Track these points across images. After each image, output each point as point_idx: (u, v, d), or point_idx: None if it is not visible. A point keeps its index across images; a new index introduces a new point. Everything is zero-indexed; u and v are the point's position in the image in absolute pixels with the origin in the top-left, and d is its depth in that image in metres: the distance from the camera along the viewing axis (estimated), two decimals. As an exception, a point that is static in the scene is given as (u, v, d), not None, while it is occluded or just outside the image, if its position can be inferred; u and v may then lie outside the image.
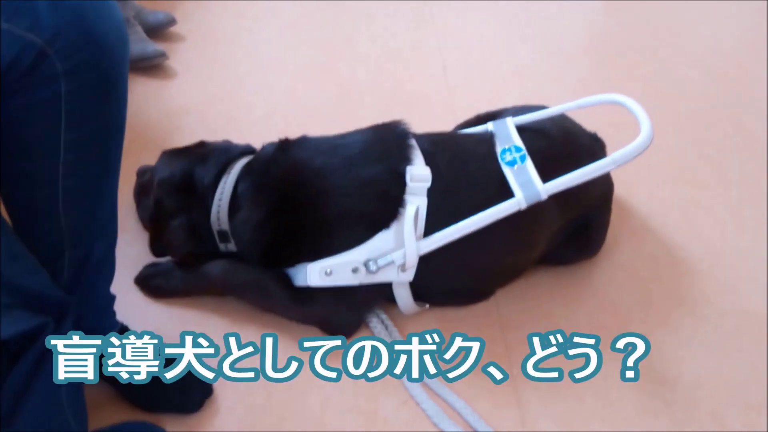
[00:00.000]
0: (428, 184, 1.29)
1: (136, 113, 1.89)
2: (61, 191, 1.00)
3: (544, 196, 1.27)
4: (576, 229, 1.45)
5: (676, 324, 1.44)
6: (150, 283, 1.39)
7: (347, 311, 1.33)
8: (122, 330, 1.22)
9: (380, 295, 1.33)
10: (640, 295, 1.50)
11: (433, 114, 1.97)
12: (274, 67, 2.13)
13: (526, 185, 1.28)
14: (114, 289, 1.36)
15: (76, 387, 1.07)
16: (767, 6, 2.59)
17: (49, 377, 1.00)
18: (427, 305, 1.39)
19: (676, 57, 2.34)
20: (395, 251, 1.26)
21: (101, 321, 1.19)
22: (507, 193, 1.29)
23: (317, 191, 1.28)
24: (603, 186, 1.49)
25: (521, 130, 1.41)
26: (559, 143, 1.41)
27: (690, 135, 1.99)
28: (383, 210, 1.27)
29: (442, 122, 1.73)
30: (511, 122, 1.42)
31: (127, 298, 1.38)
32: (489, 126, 1.44)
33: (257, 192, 1.30)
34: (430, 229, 1.28)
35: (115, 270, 1.35)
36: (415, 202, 1.27)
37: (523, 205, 1.27)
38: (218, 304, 1.39)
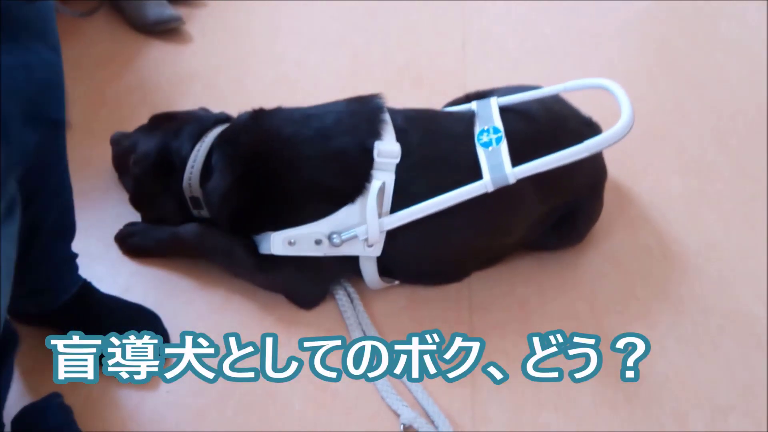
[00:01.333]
0: (397, 160, 1.28)
1: (147, 77, 1.93)
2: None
3: (512, 180, 1.24)
4: (561, 216, 1.42)
5: (654, 318, 1.40)
6: (127, 241, 1.43)
7: (311, 281, 1.34)
8: (85, 286, 1.26)
9: (346, 267, 1.33)
10: (624, 286, 1.46)
11: (441, 92, 1.93)
12: (288, 37, 2.13)
13: (496, 168, 1.25)
14: (95, 246, 1.42)
15: None
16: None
17: None
18: (397, 281, 1.38)
19: (709, 42, 2.24)
20: (360, 226, 1.26)
21: (60, 279, 1.23)
22: (478, 175, 1.27)
23: (285, 161, 1.29)
24: (592, 173, 1.45)
25: (506, 110, 1.38)
26: (542, 126, 1.38)
27: (713, 124, 1.91)
28: (349, 184, 1.27)
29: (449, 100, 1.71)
30: (494, 102, 1.39)
31: (106, 256, 1.43)
32: (473, 105, 1.41)
33: (227, 160, 1.31)
34: (397, 205, 1.27)
35: (97, 231, 1.41)
36: (382, 178, 1.26)
37: (490, 188, 1.24)
38: (189, 266, 1.42)
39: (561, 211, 1.41)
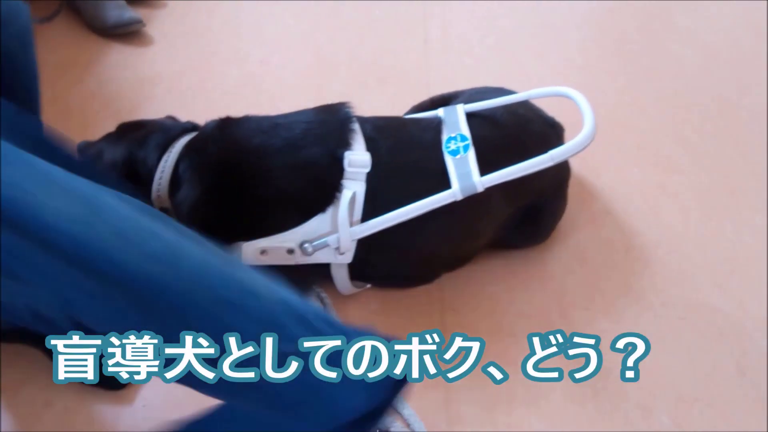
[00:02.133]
0: (367, 169, 1.29)
1: (107, 82, 1.91)
2: None
3: (480, 189, 1.26)
4: (526, 215, 1.45)
5: (619, 312, 1.44)
6: (97, 253, 1.42)
7: (283, 289, 1.35)
8: None
9: (318, 273, 1.35)
10: (589, 281, 1.50)
11: (406, 90, 1.95)
12: (251, 37, 2.13)
13: (464, 177, 1.28)
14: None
15: None
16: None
17: None
18: (368, 285, 1.41)
19: (668, 33, 2.29)
20: (331, 235, 1.27)
21: None
22: (447, 183, 1.29)
23: (254, 171, 1.29)
24: (557, 173, 1.47)
25: (472, 116, 1.41)
26: (508, 131, 1.40)
27: (671, 116, 1.96)
28: (320, 194, 1.28)
29: (416, 98, 1.72)
30: (461, 109, 1.41)
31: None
32: (439, 112, 1.43)
33: (195, 170, 1.31)
34: (368, 214, 1.28)
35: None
36: (353, 188, 1.28)
37: (459, 197, 1.27)
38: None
39: (527, 211, 1.44)
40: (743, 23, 2.35)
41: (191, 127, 1.45)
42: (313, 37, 2.14)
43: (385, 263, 1.36)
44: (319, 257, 1.29)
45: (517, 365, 1.25)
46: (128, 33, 2.04)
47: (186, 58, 2.02)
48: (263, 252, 1.27)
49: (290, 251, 1.27)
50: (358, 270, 1.35)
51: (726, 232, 1.63)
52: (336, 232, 1.27)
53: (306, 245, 1.27)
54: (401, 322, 1.38)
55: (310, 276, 1.36)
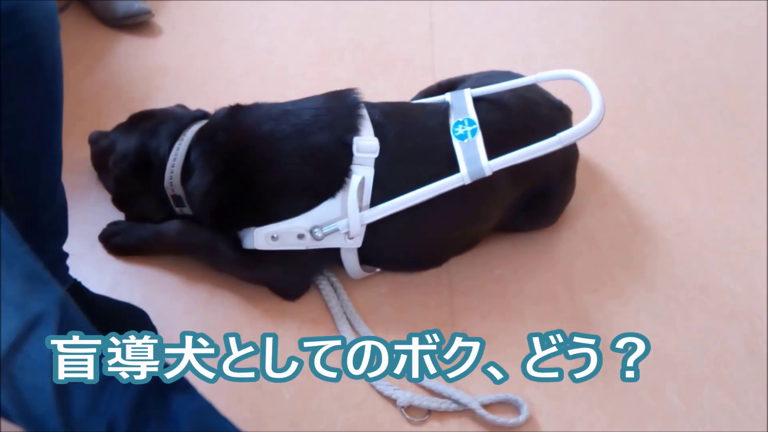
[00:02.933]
0: (375, 154, 1.30)
1: (118, 72, 1.92)
2: (3, 161, 1.06)
3: (488, 173, 1.27)
4: (533, 198, 1.46)
5: (628, 294, 1.45)
6: (111, 240, 1.44)
7: (294, 274, 1.36)
8: (74, 286, 1.28)
9: (328, 258, 1.36)
10: (597, 263, 1.51)
11: (411, 75, 1.96)
12: (256, 25, 2.13)
13: (472, 161, 1.28)
14: (80, 245, 1.43)
15: None
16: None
17: None
18: (378, 269, 1.42)
19: (674, 13, 2.29)
20: (340, 220, 1.28)
21: None
22: (455, 167, 1.30)
23: (264, 158, 1.31)
24: (564, 156, 1.47)
25: (479, 100, 1.41)
26: (515, 115, 1.41)
27: (678, 97, 1.96)
28: (329, 179, 1.29)
29: (420, 84, 1.73)
30: (468, 93, 1.41)
31: (92, 255, 1.44)
32: (447, 96, 1.44)
33: (206, 158, 1.33)
34: (377, 198, 1.30)
35: (81, 229, 1.42)
36: (362, 173, 1.29)
37: (467, 181, 1.28)
38: (174, 262, 1.43)
39: (534, 194, 1.45)
40: (749, 2, 2.34)
41: (201, 115, 1.47)
42: (318, 23, 2.15)
43: (394, 247, 1.38)
44: (329, 242, 1.31)
45: (525, 346, 1.26)
46: (137, 24, 2.05)
47: (194, 48, 2.03)
48: (274, 237, 1.29)
49: (300, 236, 1.29)
50: (368, 254, 1.36)
51: (735, 213, 1.63)
52: (345, 217, 1.28)
53: (316, 230, 1.28)
54: (410, 306, 1.39)
55: (321, 261, 1.37)
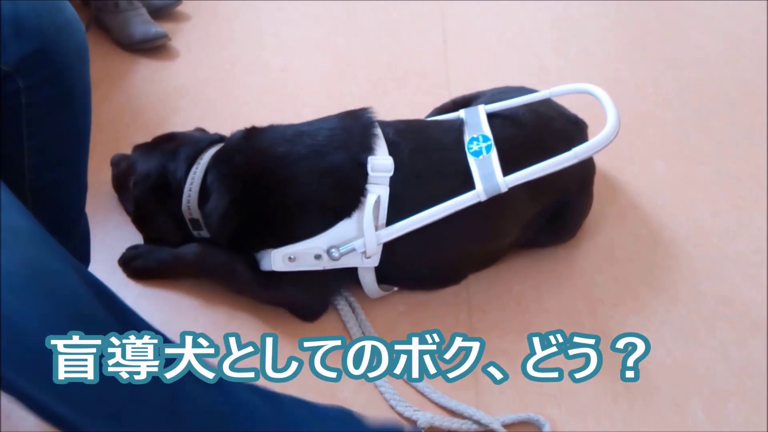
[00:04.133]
0: (390, 173, 1.30)
1: (136, 96, 1.94)
2: (29, 192, 1.08)
3: (503, 189, 1.27)
4: (552, 213, 1.45)
5: (649, 308, 1.43)
6: (131, 265, 1.45)
7: (313, 294, 1.36)
8: None
9: (346, 278, 1.36)
10: (618, 277, 1.50)
11: (426, 91, 1.96)
12: (271, 44, 2.15)
13: (487, 177, 1.28)
14: (100, 270, 1.43)
15: None
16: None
17: None
18: (396, 288, 1.42)
19: (689, 21, 2.27)
20: (357, 239, 1.29)
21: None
22: (471, 184, 1.29)
23: (280, 179, 1.31)
24: (581, 170, 1.46)
25: (493, 116, 1.41)
26: (530, 130, 1.41)
27: (695, 105, 1.94)
28: (345, 199, 1.29)
29: (435, 99, 1.74)
30: (482, 110, 1.41)
31: (112, 279, 1.45)
32: (461, 113, 1.43)
33: (223, 181, 1.33)
34: (393, 217, 1.30)
35: (101, 254, 1.44)
36: (377, 192, 1.29)
37: (483, 198, 1.27)
38: (193, 285, 1.44)
39: (552, 209, 1.44)
40: (765, 8, 2.32)
41: (218, 138, 1.48)
42: (332, 41, 2.16)
43: (411, 266, 1.38)
44: (346, 262, 1.31)
45: (546, 364, 1.25)
46: (155, 47, 2.07)
47: (210, 69, 2.05)
48: (291, 258, 1.29)
49: (318, 257, 1.29)
50: (385, 273, 1.36)
51: (755, 223, 1.62)
52: (362, 236, 1.28)
53: (333, 250, 1.28)
54: (429, 324, 1.39)
55: (338, 280, 1.37)
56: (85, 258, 1.24)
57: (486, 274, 1.47)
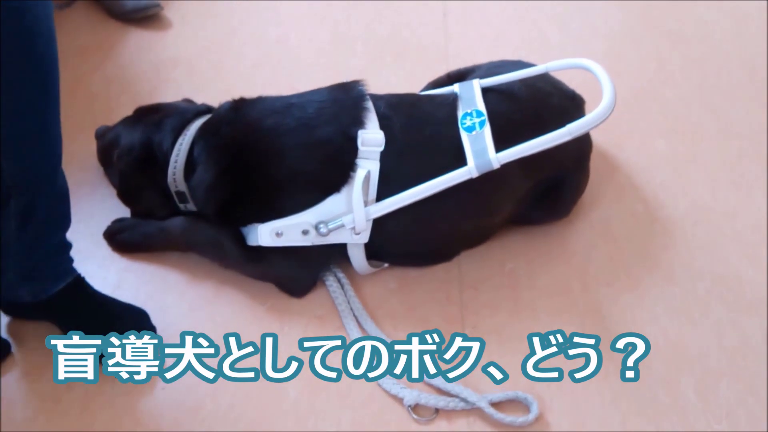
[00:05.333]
0: (381, 148, 1.28)
1: (127, 65, 1.92)
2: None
3: (496, 165, 1.24)
4: (546, 189, 1.42)
5: (644, 286, 1.42)
6: (116, 238, 1.44)
7: (300, 270, 1.35)
8: (78, 280, 1.28)
9: (335, 254, 1.35)
10: (613, 255, 1.47)
11: (425, 64, 1.92)
12: (267, 16, 2.11)
13: (480, 153, 1.25)
14: (85, 243, 1.42)
15: None
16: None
17: None
18: (386, 264, 1.40)
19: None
20: (346, 215, 1.26)
21: (54, 266, 1.25)
22: (463, 160, 1.27)
23: (268, 152, 1.29)
24: (577, 146, 1.43)
25: (488, 91, 1.38)
26: (525, 105, 1.38)
27: (698, 82, 1.90)
28: (334, 173, 1.27)
29: (434, 72, 1.70)
30: (477, 84, 1.38)
31: (96, 252, 1.44)
32: (455, 87, 1.40)
33: (210, 152, 1.31)
34: (383, 193, 1.28)
35: (86, 227, 1.42)
36: (367, 166, 1.27)
37: (474, 174, 1.25)
38: (179, 259, 1.42)
39: (547, 185, 1.42)
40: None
41: (206, 109, 1.46)
42: (330, 12, 2.12)
43: (401, 242, 1.35)
44: (335, 238, 1.29)
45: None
46: (146, 17, 2.04)
47: (204, 40, 2.01)
48: (278, 233, 1.28)
49: (305, 232, 1.27)
50: (375, 249, 1.34)
51: (756, 201, 1.59)
52: (351, 212, 1.26)
53: (321, 226, 1.26)
54: (419, 301, 1.37)
55: (327, 256, 1.35)
56: (63, 220, 1.23)
57: (479, 251, 1.45)
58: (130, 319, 1.25)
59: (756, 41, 2.03)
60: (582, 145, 1.46)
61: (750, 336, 1.33)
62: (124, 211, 1.48)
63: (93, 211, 1.50)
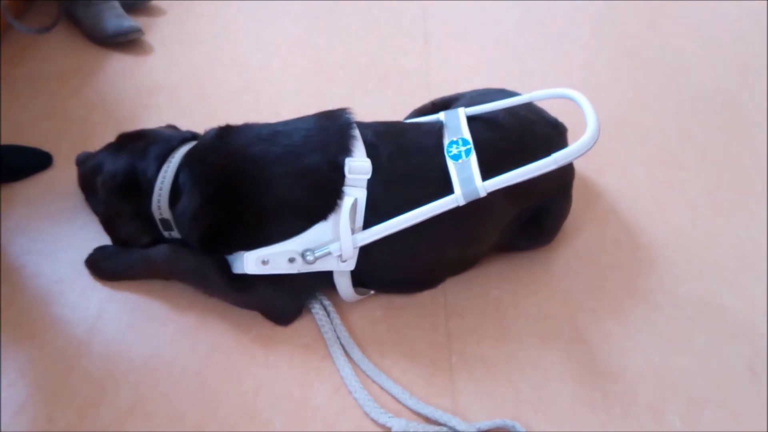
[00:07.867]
0: (368, 176, 1.28)
1: (108, 91, 1.90)
2: None
3: (482, 194, 1.25)
4: (530, 217, 1.43)
5: (627, 313, 1.42)
6: (98, 266, 1.41)
7: (286, 298, 1.34)
8: None
9: (321, 281, 1.34)
10: (595, 282, 1.48)
11: (407, 92, 1.94)
12: (249, 42, 2.11)
13: (466, 181, 1.26)
14: (66, 271, 1.40)
15: None
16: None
17: None
18: (372, 291, 1.39)
19: (671, 27, 2.27)
20: (333, 243, 1.26)
21: None
22: (449, 188, 1.27)
23: (254, 180, 1.28)
24: (561, 174, 1.44)
25: (473, 119, 1.39)
26: (510, 134, 1.38)
27: (675, 111, 1.94)
28: (321, 201, 1.27)
29: (416, 100, 1.71)
30: (462, 113, 1.39)
31: (77, 281, 1.41)
32: (441, 116, 1.41)
33: (195, 180, 1.30)
34: (370, 221, 1.27)
35: (67, 255, 1.40)
36: (354, 194, 1.26)
37: (461, 202, 1.25)
38: (162, 288, 1.40)
39: (531, 212, 1.43)
40: (746, 15, 2.32)
41: (191, 136, 1.44)
42: (312, 40, 2.13)
43: (388, 270, 1.35)
44: (322, 265, 1.28)
45: (524, 370, 1.24)
46: (127, 42, 2.03)
47: (185, 66, 2.01)
48: (264, 261, 1.26)
49: (292, 260, 1.26)
50: (362, 277, 1.33)
51: (734, 229, 1.61)
52: (338, 239, 1.25)
53: (307, 254, 1.25)
54: (406, 329, 1.37)
55: (313, 284, 1.34)
56: None
57: (464, 278, 1.45)
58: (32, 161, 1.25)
59: (730, 71, 2.08)
60: (565, 172, 1.48)
61: (732, 363, 1.34)
62: (105, 239, 1.46)
63: (73, 238, 1.47)
